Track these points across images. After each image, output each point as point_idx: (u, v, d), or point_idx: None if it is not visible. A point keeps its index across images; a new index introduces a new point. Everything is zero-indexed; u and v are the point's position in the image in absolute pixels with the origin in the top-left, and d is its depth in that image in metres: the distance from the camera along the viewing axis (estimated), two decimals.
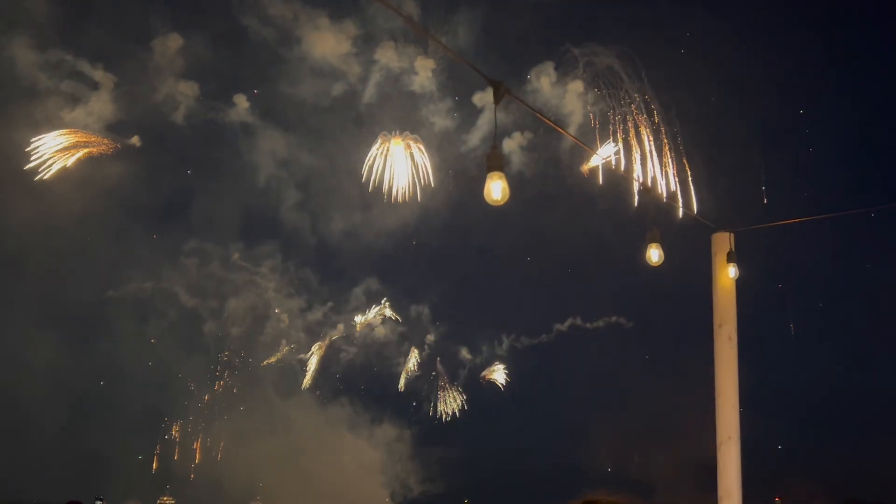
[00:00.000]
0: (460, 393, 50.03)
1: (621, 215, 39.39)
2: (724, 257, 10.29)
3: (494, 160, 6.78)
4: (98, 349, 46.23)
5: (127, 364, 46.68)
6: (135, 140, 42.64)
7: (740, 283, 10.35)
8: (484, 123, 43.30)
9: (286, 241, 48.42)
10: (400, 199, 41.80)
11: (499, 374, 49.95)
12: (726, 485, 9.80)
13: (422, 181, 41.90)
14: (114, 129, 42.24)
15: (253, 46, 43.35)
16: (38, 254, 42.13)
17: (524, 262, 50.32)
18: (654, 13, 45.76)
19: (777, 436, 42.80)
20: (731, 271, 10.24)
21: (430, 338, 50.12)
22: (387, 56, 43.23)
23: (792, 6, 46.09)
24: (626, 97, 41.23)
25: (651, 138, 40.59)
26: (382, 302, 49.31)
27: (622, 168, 40.86)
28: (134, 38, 43.79)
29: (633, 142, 40.68)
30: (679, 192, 39.45)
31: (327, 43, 42.68)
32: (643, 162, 40.54)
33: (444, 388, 49.96)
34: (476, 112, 43.59)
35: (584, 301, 49.71)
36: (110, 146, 41.81)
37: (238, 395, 48.68)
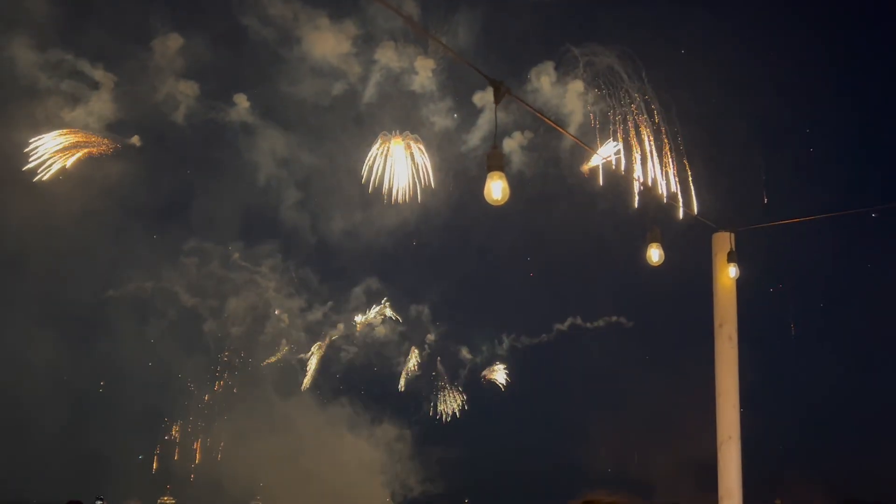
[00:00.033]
0: (460, 393, 50.09)
1: (622, 215, 39.43)
2: (725, 257, 10.29)
3: (495, 160, 6.77)
4: (98, 349, 46.29)
5: (127, 364, 46.74)
6: (135, 140, 42.68)
7: (741, 283, 10.34)
8: (484, 123, 43.32)
9: (286, 241, 48.46)
10: (400, 200, 41.85)
11: (499, 374, 49.99)
12: (727, 485, 9.79)
13: (422, 182, 41.94)
14: (114, 128, 42.28)
15: (253, 46, 43.36)
16: (38, 253, 42.16)
17: (524, 262, 50.36)
18: (655, 13, 45.79)
19: (777, 436, 42.77)
20: (732, 271, 10.23)
21: (431, 337, 50.17)
22: (387, 56, 43.24)
23: (792, 6, 46.13)
24: (627, 97, 41.26)
25: (651, 138, 40.61)
26: (383, 301, 49.37)
27: (622, 168, 40.89)
28: (134, 37, 43.80)
29: (634, 141, 40.71)
30: (679, 192, 39.47)
31: (327, 43, 42.70)
32: (643, 162, 40.57)
33: (444, 388, 50.01)
34: (476, 112, 43.61)
35: (584, 301, 49.77)
36: (110, 146, 41.84)
37: (238, 394, 48.73)
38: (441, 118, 43.82)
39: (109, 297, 45.69)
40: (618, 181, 41.34)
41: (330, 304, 49.17)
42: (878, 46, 53.65)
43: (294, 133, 45.21)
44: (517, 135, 44.06)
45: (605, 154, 40.20)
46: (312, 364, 49.01)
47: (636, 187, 38.54)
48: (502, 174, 6.73)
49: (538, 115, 8.37)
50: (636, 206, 38.21)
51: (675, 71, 43.72)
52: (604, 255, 45.58)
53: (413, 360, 49.70)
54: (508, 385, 49.87)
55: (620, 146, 40.30)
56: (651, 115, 40.81)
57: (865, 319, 47.38)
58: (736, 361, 10.05)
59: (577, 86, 41.92)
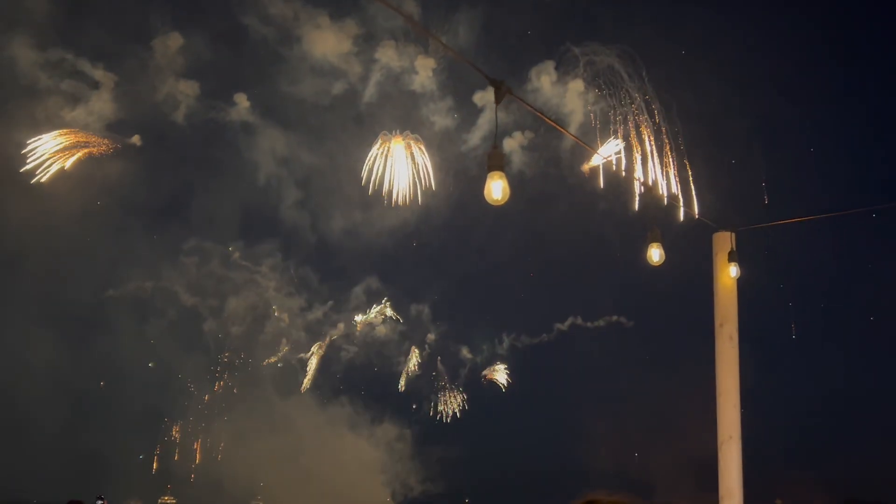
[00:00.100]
0: (460, 392, 50.09)
1: (622, 215, 39.44)
2: (726, 257, 10.28)
3: (495, 160, 6.77)
4: (98, 349, 46.24)
5: (127, 364, 46.76)
6: (135, 139, 42.70)
7: (741, 283, 10.33)
8: (484, 123, 43.31)
9: (286, 240, 48.49)
10: (401, 202, 41.87)
11: (500, 374, 49.99)
12: (727, 484, 9.78)
13: (423, 183, 41.94)
14: (114, 128, 42.30)
15: (253, 45, 43.39)
16: (38, 253, 42.19)
17: (524, 262, 50.38)
18: (655, 12, 45.78)
19: (778, 436, 42.74)
20: (733, 271, 10.23)
21: (431, 337, 50.18)
22: (387, 55, 43.25)
23: (793, 5, 46.06)
24: (627, 96, 41.25)
25: (652, 138, 40.59)
26: (383, 301, 49.36)
27: (623, 168, 40.87)
28: (134, 37, 43.85)
29: (634, 141, 40.69)
30: (680, 192, 39.45)
31: (328, 42, 42.70)
32: (644, 161, 40.55)
33: (444, 388, 50.01)
34: (476, 111, 43.61)
35: (584, 300, 49.75)
36: (110, 146, 41.84)
37: (238, 394, 48.74)
38: (441, 118, 43.86)
39: (109, 296, 45.78)
40: (618, 181, 41.36)
41: (330, 303, 49.24)
42: (879, 46, 53.62)
43: (294, 132, 45.28)
44: (517, 134, 44.12)
45: (607, 153, 40.20)
46: (312, 364, 49.06)
47: (637, 187, 38.56)
48: (502, 174, 6.72)
49: (539, 114, 8.35)
50: (637, 206, 38.25)
51: (676, 70, 43.77)
52: (604, 254, 45.65)
53: (413, 359, 49.74)
54: (509, 385, 49.94)
55: (622, 144, 40.31)
56: (651, 115, 40.83)
57: (866, 319, 47.40)
58: (736, 361, 10.04)
59: (577, 85, 41.95)
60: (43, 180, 39.51)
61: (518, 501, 51.78)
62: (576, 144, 43.79)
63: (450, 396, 49.88)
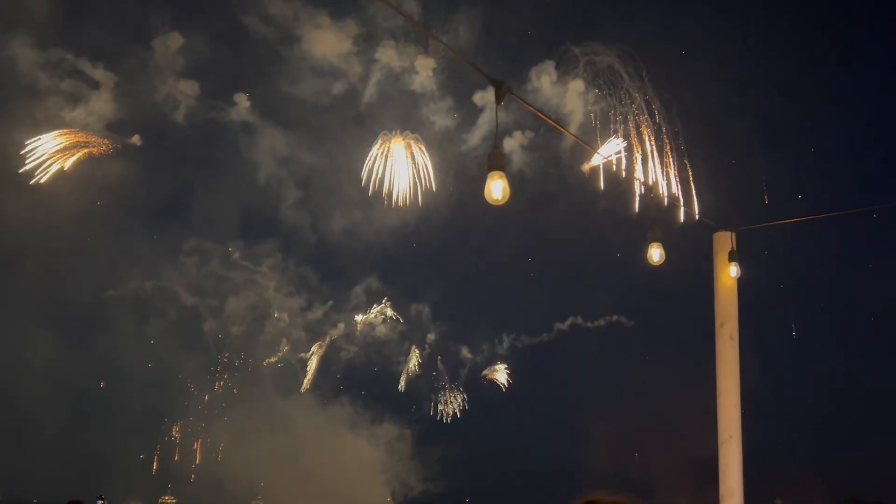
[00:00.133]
0: (461, 392, 50.08)
1: (622, 214, 39.43)
2: (726, 256, 10.28)
3: (495, 159, 6.76)
4: (98, 349, 46.23)
5: (127, 364, 46.75)
6: (135, 139, 42.70)
7: (742, 283, 10.33)
8: (484, 123, 43.31)
9: (286, 240, 48.48)
10: (401, 203, 41.87)
11: (501, 374, 49.99)
12: (728, 484, 9.78)
13: (423, 184, 41.94)
14: (114, 128, 42.30)
15: (253, 45, 43.38)
16: (38, 253, 42.18)
17: (525, 261, 50.34)
18: (655, 12, 45.78)
19: (778, 435, 42.74)
20: (733, 270, 10.22)
21: (431, 337, 50.17)
22: (387, 55, 43.23)
23: (793, 5, 46.06)
24: (627, 96, 41.24)
25: (652, 137, 40.59)
26: (383, 301, 49.36)
27: (623, 167, 40.87)
28: (134, 37, 43.86)
29: (634, 141, 40.69)
30: (680, 192, 39.46)
31: (328, 42, 42.69)
32: (644, 161, 40.55)
33: (444, 388, 50.01)
34: (477, 111, 43.60)
35: (584, 300, 49.74)
36: (110, 146, 41.84)
37: (238, 394, 48.73)
38: (441, 118, 43.86)
39: (109, 296, 45.78)
40: (618, 181, 41.38)
41: (330, 303, 49.23)
42: (880, 46, 53.65)
43: (294, 132, 45.27)
44: (517, 134, 44.12)
45: (607, 153, 40.19)
46: (312, 364, 49.05)
47: (637, 187, 38.55)
48: (503, 174, 6.72)
49: (539, 114, 8.35)
50: (637, 206, 38.25)
51: (676, 70, 43.77)
52: (604, 254, 45.65)
53: (413, 359, 49.74)
54: (509, 385, 49.94)
55: (624, 142, 40.29)
56: (652, 115, 40.83)
57: (866, 319, 47.43)
58: (737, 361, 10.04)
59: (577, 85, 41.94)
60: (42, 181, 39.57)
61: (518, 501, 51.80)
62: (576, 144, 43.81)
63: (450, 396, 49.92)
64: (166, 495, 48.20)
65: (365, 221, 44.82)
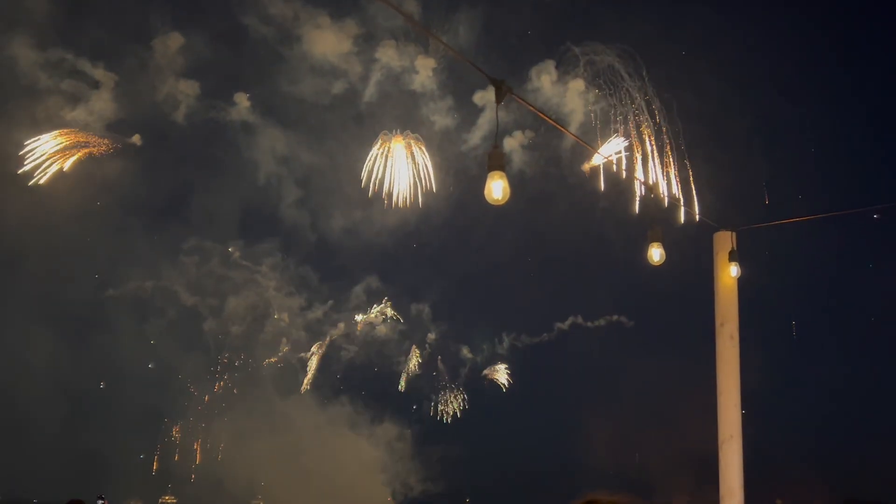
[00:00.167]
0: (461, 392, 50.07)
1: (622, 214, 39.42)
2: (726, 256, 10.27)
3: (495, 159, 6.76)
4: (98, 348, 46.24)
5: (126, 363, 46.74)
6: (135, 139, 42.70)
7: (742, 282, 10.33)
8: (484, 122, 43.31)
9: (286, 239, 48.46)
10: (401, 204, 41.87)
11: (501, 374, 49.98)
12: (728, 484, 9.78)
13: (423, 185, 41.93)
14: (114, 128, 42.31)
15: (253, 45, 43.39)
16: (38, 252, 42.15)
17: (525, 261, 50.34)
18: (655, 11, 45.77)
19: (778, 435, 42.74)
20: (733, 270, 10.22)
21: (431, 336, 50.16)
22: (387, 55, 43.23)
23: (793, 5, 46.07)
24: (627, 96, 41.24)
25: (652, 137, 40.59)
26: (383, 301, 49.35)
27: (624, 167, 40.86)
28: (134, 36, 43.88)
29: (635, 141, 40.68)
30: (680, 192, 39.45)
31: (328, 42, 42.69)
32: (644, 161, 40.54)
33: (444, 388, 50.01)
34: (477, 111, 43.61)
35: (585, 299, 49.74)
36: (110, 146, 41.84)
37: (238, 394, 48.72)
38: (441, 117, 43.86)
39: (109, 296, 45.79)
40: (619, 180, 41.37)
41: (330, 302, 49.21)
42: (880, 46, 53.64)
43: (294, 132, 45.27)
44: (518, 134, 44.12)
45: (609, 152, 40.18)
46: (313, 363, 49.04)
47: (637, 186, 38.55)
48: (503, 174, 6.71)
49: (539, 114, 8.35)
50: (637, 206, 38.25)
51: (676, 70, 43.77)
52: (604, 253, 45.63)
53: (414, 359, 49.73)
54: (509, 384, 49.94)
55: (625, 141, 40.27)
56: (652, 115, 40.83)
57: (866, 319, 47.44)
58: (737, 361, 10.04)
59: (577, 85, 41.94)
60: (41, 182, 39.57)
61: (518, 501, 51.79)
62: (576, 144, 43.77)
63: (450, 396, 49.92)
64: (167, 495, 48.21)
65: (365, 221, 44.87)
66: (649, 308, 47.17)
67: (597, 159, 40.44)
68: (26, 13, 39.86)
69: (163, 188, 46.81)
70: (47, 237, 41.54)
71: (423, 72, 43.21)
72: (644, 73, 41.07)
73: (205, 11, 46.06)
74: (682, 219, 33.31)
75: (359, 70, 43.56)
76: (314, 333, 49.28)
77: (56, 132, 40.26)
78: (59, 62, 40.42)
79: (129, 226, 46.39)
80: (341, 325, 49.32)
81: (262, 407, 48.23)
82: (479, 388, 50.15)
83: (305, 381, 48.96)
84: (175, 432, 47.98)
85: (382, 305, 49.38)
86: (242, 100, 44.19)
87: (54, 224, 41.35)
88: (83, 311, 46.74)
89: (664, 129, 40.49)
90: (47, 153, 39.71)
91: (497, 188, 6.70)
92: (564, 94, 42.20)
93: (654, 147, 40.38)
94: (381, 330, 49.52)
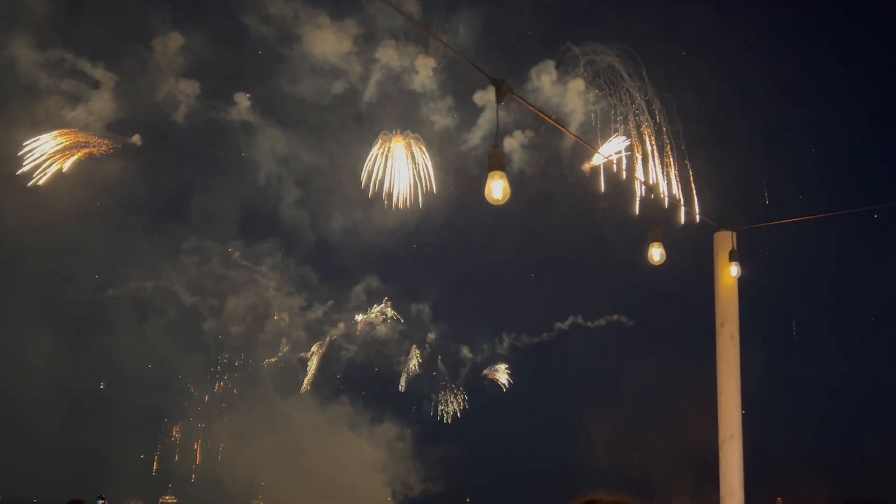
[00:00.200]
0: (461, 392, 50.07)
1: (623, 214, 39.42)
2: (727, 256, 10.26)
3: (496, 159, 6.75)
4: (97, 348, 46.26)
5: (126, 363, 46.74)
6: (135, 139, 42.70)
7: (742, 282, 10.32)
8: (484, 122, 43.31)
9: (286, 239, 48.48)
10: (401, 205, 41.85)
11: (502, 374, 49.97)
12: (729, 483, 9.77)
13: (423, 186, 41.91)
14: (114, 127, 42.32)
15: (253, 45, 43.41)
16: (37, 252, 42.17)
17: (525, 261, 50.35)
18: (655, 11, 45.81)
19: (779, 435, 42.74)
20: (734, 270, 10.21)
21: (431, 336, 50.15)
22: (387, 55, 43.24)
23: (793, 5, 46.09)
24: (628, 96, 41.23)
25: (652, 137, 40.58)
26: (384, 301, 49.34)
27: (624, 167, 40.85)
28: (134, 36, 43.93)
29: (635, 141, 40.67)
30: (681, 191, 39.43)
31: (328, 42, 42.70)
32: (644, 161, 40.53)
33: (444, 388, 50.00)
34: (477, 111, 43.61)
35: (585, 299, 49.76)
36: (110, 146, 41.84)
37: (238, 394, 48.71)
38: (441, 117, 43.86)
39: (109, 296, 45.80)
40: (619, 180, 41.35)
41: (330, 302, 49.21)
42: (880, 46, 53.67)
43: (294, 132, 45.29)
44: (518, 134, 44.12)
45: (609, 152, 40.16)
46: (313, 363, 49.03)
47: (637, 186, 38.53)
48: (503, 174, 6.71)
49: (540, 114, 8.34)
50: (638, 205, 38.24)
51: (676, 70, 43.79)
52: (604, 254, 45.65)
53: (414, 359, 49.72)
54: (509, 384, 49.94)
55: (626, 140, 40.25)
56: (652, 115, 40.82)
57: (866, 319, 47.46)
58: (737, 360, 10.02)
59: (577, 84, 41.93)
60: (40, 183, 39.56)
61: (518, 501, 51.79)
62: (576, 144, 43.77)
63: (450, 396, 49.91)
64: (167, 495, 48.21)
65: (365, 221, 44.86)
66: (649, 308, 47.24)
67: (597, 159, 40.46)
68: (26, 13, 39.94)
69: (163, 188, 46.91)
70: (47, 237, 41.60)
71: (423, 72, 43.26)
72: (644, 73, 41.11)
73: (205, 11, 46.17)
74: (683, 219, 33.33)
75: (359, 70, 43.61)
76: (314, 333, 49.34)
77: (56, 132, 40.28)
78: (59, 62, 40.48)
79: (129, 226, 46.48)
80: (341, 325, 49.37)
81: (262, 407, 48.28)
82: (479, 388, 50.21)
83: (305, 381, 49.01)
84: (175, 432, 48.02)
85: (382, 305, 49.42)
86: (242, 100, 44.27)
87: (54, 224, 41.41)
88: (83, 311, 46.82)
89: (664, 129, 40.51)
90: (47, 153, 39.73)
91: (497, 188, 6.69)
92: (564, 93, 42.23)
93: (655, 147, 40.40)
94: (381, 330, 49.57)
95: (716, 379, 10.05)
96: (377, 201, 42.48)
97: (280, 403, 48.49)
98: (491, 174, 6.70)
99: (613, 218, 40.68)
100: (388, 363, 49.81)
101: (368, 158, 42.05)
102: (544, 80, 42.31)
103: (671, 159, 40.12)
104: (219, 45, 43.23)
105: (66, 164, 40.21)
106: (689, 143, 40.29)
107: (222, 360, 48.47)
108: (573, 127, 40.71)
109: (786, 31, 44.50)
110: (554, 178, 42.87)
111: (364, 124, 44.37)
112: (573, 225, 43.49)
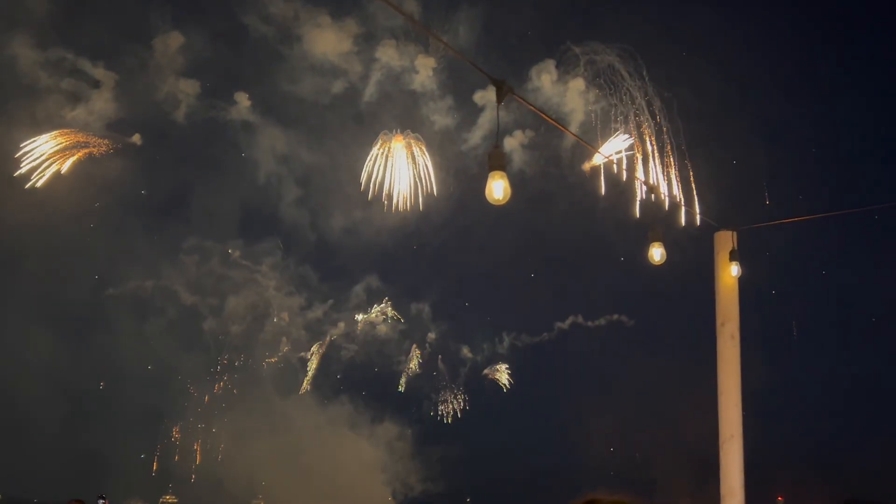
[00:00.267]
0: (461, 392, 50.07)
1: (623, 213, 39.41)
2: (727, 255, 10.27)
3: (496, 159, 6.76)
4: (97, 348, 46.19)
5: (126, 363, 46.71)
6: (135, 138, 42.70)
7: (743, 282, 10.33)
8: (485, 122, 43.30)
9: (286, 239, 48.43)
10: (401, 207, 41.86)
11: (502, 374, 49.97)
12: (729, 483, 9.77)
13: (423, 187, 41.91)
14: (114, 127, 42.30)
15: (253, 44, 43.38)
16: (37, 253, 42.14)
17: (525, 260, 50.30)
18: (655, 11, 45.76)
19: (779, 435, 42.73)
20: (734, 270, 10.21)
21: (431, 336, 50.14)
22: (388, 54, 43.23)
23: (793, 5, 46.07)
24: (628, 95, 41.24)
25: (653, 137, 40.58)
26: (384, 300, 49.34)
27: (624, 166, 40.85)
28: (134, 36, 43.80)
29: (635, 140, 40.67)
30: (681, 191, 39.44)
31: (328, 41, 42.69)
32: (645, 160, 40.53)
33: (445, 387, 50.00)
34: (477, 110, 43.60)
35: (585, 299, 49.70)
36: (110, 146, 41.84)
37: (238, 394, 48.71)
38: (441, 117, 43.86)
39: (109, 295, 45.74)
40: (619, 179, 41.33)
41: (330, 302, 49.18)
42: (881, 45, 53.67)
43: (294, 131, 45.27)
44: (518, 133, 44.11)
45: (610, 150, 40.15)
46: (313, 363, 49.02)
47: (638, 185, 38.53)
48: (504, 174, 6.71)
49: (540, 114, 8.34)
50: (638, 205, 38.25)
51: (676, 70, 43.75)
52: (605, 253, 45.63)
53: (414, 359, 49.72)
54: (509, 384, 49.94)
55: (628, 139, 40.24)
56: (652, 114, 40.82)
57: (866, 319, 47.43)
58: (738, 360, 10.03)
59: (578, 84, 41.92)
60: (38, 184, 39.55)
61: (518, 501, 51.76)
62: (576, 143, 43.72)
63: (450, 396, 49.91)
64: (167, 495, 48.20)
65: (365, 220, 44.84)
66: (650, 308, 47.20)
67: (597, 159, 40.45)
68: (26, 13, 39.90)
69: (163, 188, 46.82)
70: (47, 237, 41.56)
71: (424, 71, 43.25)
72: (644, 73, 41.11)
73: (205, 11, 46.10)
74: (683, 218, 33.35)
75: (359, 69, 43.60)
76: (314, 333, 49.32)
77: (55, 132, 40.27)
78: (59, 62, 40.46)
79: (128, 226, 46.44)
80: (341, 325, 49.35)
81: (262, 407, 48.26)
82: (479, 388, 50.19)
83: (305, 381, 49.00)
84: (175, 432, 47.99)
85: (383, 305, 49.41)
86: (242, 99, 44.23)
87: (54, 224, 41.38)
88: (83, 311, 46.74)
89: (664, 128, 40.51)
90: (46, 154, 39.73)
91: (498, 188, 6.69)
92: (565, 93, 42.23)
93: (655, 147, 40.40)
94: (382, 330, 49.55)
95: (716, 379, 10.06)
96: (377, 201, 42.54)
97: (280, 403, 48.53)
98: (491, 174, 6.70)
99: (614, 218, 40.69)
100: (388, 363, 49.85)
101: (368, 158, 42.11)
102: (544, 79, 42.35)
103: (671, 159, 40.15)
104: (219, 44, 43.24)
105: (66, 166, 40.24)
106: (690, 142, 40.34)
107: (222, 360, 48.50)
108: (573, 127, 40.75)
109: (786, 31, 44.50)
110: (554, 177, 42.90)
111: (364, 124, 44.41)
112: (573, 225, 43.52)
